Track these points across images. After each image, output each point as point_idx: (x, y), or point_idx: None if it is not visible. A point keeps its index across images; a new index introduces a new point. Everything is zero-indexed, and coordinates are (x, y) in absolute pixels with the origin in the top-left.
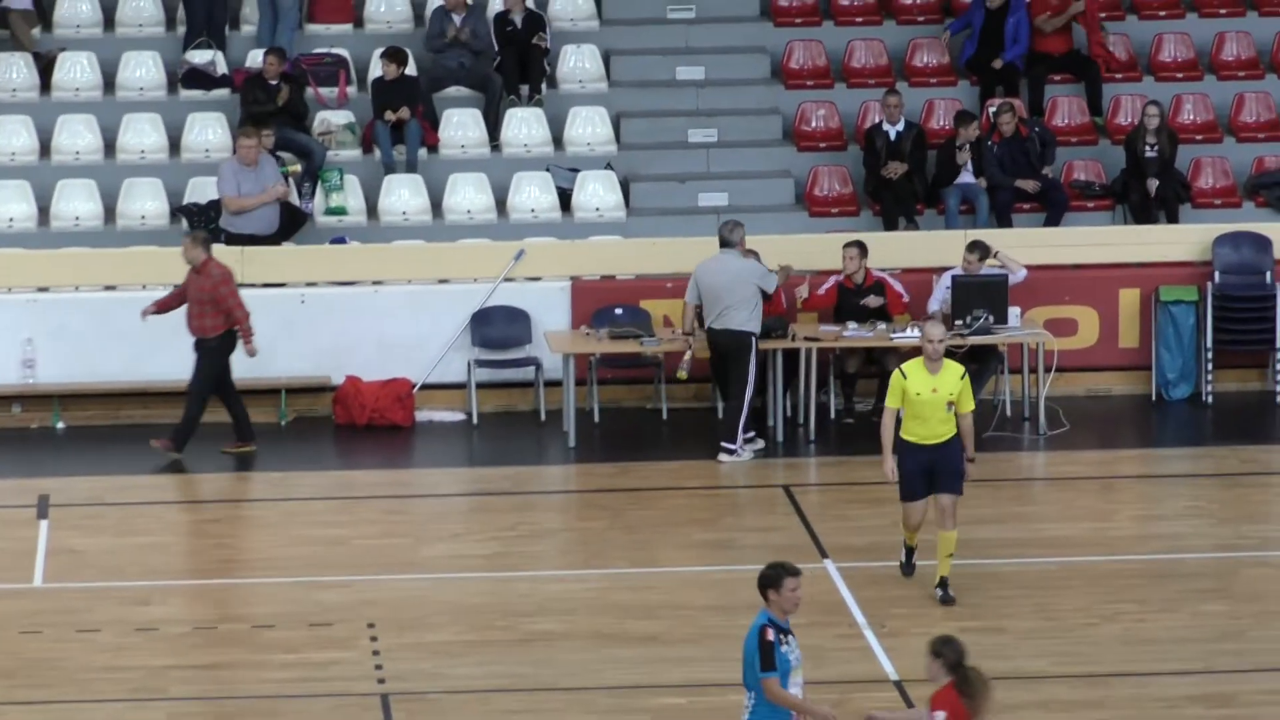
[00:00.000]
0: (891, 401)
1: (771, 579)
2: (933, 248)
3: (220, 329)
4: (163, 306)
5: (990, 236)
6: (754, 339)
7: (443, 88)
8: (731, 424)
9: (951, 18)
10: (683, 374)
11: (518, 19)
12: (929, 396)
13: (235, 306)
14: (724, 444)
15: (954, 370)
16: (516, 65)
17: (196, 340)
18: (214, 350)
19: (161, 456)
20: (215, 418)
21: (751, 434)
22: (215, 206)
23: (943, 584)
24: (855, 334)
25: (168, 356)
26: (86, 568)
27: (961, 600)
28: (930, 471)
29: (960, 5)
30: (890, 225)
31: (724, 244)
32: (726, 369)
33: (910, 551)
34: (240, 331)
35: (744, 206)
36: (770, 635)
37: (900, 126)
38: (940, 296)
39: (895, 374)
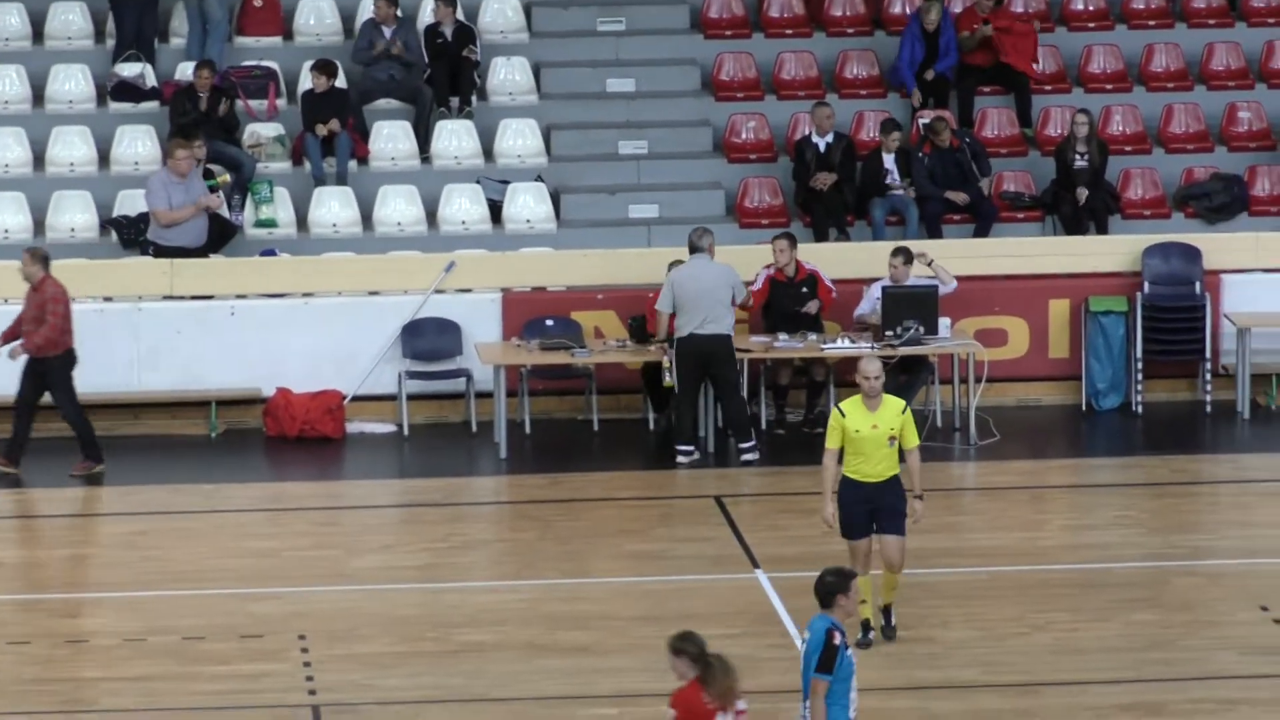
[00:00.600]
0: (831, 442)
1: (841, 584)
2: (862, 259)
3: (62, 347)
4: (9, 335)
5: (917, 246)
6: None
7: (373, 100)
8: (742, 422)
9: (881, 29)
10: (670, 381)
11: (448, 31)
12: (869, 433)
13: (55, 326)
14: (741, 445)
15: (894, 405)
16: (447, 77)
17: (38, 360)
18: (60, 366)
19: (84, 478)
20: (142, 430)
21: (690, 447)
22: (145, 219)
23: (886, 612)
24: (786, 345)
25: (97, 370)
26: (14, 580)
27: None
28: (873, 509)
29: (890, 18)
30: (820, 236)
31: (694, 250)
32: (710, 374)
33: (866, 625)
34: (29, 345)
35: (674, 218)
36: (838, 639)
37: (830, 138)
38: (869, 305)
39: (834, 413)
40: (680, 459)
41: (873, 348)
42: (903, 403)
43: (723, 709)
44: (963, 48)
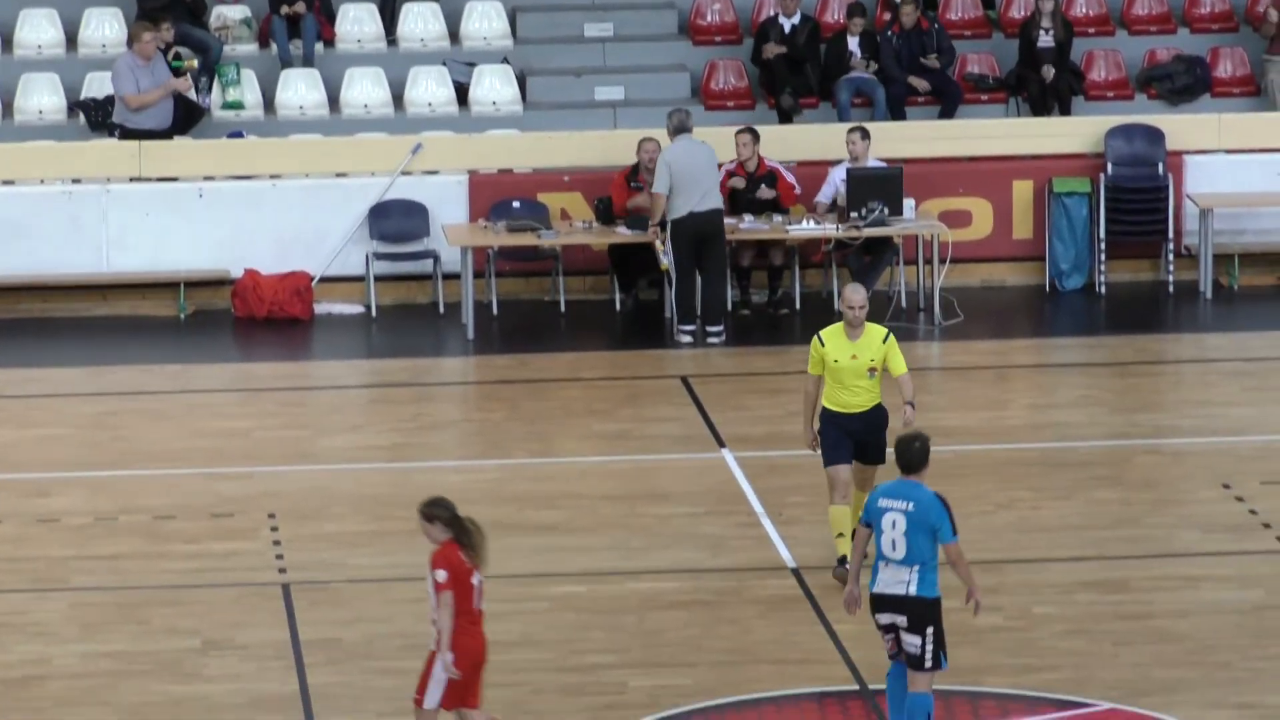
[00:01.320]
0: (812, 369)
1: (928, 449)
2: (826, 141)
3: None
4: None
5: (883, 128)
6: None
7: None
8: (720, 307)
9: None
10: (665, 264)
11: None
12: (848, 364)
13: None
14: (710, 328)
15: (876, 334)
16: None
17: None
18: None
19: None
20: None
21: (691, 327)
22: (112, 101)
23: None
24: (752, 226)
25: (66, 252)
26: None
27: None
28: (856, 441)
29: None
30: (784, 119)
31: (681, 130)
32: (702, 253)
33: (843, 560)
34: None
35: (640, 100)
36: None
37: (795, 19)
38: (832, 189)
39: (814, 341)
40: (682, 338)
41: (837, 228)
42: (885, 331)
43: (476, 568)
44: None
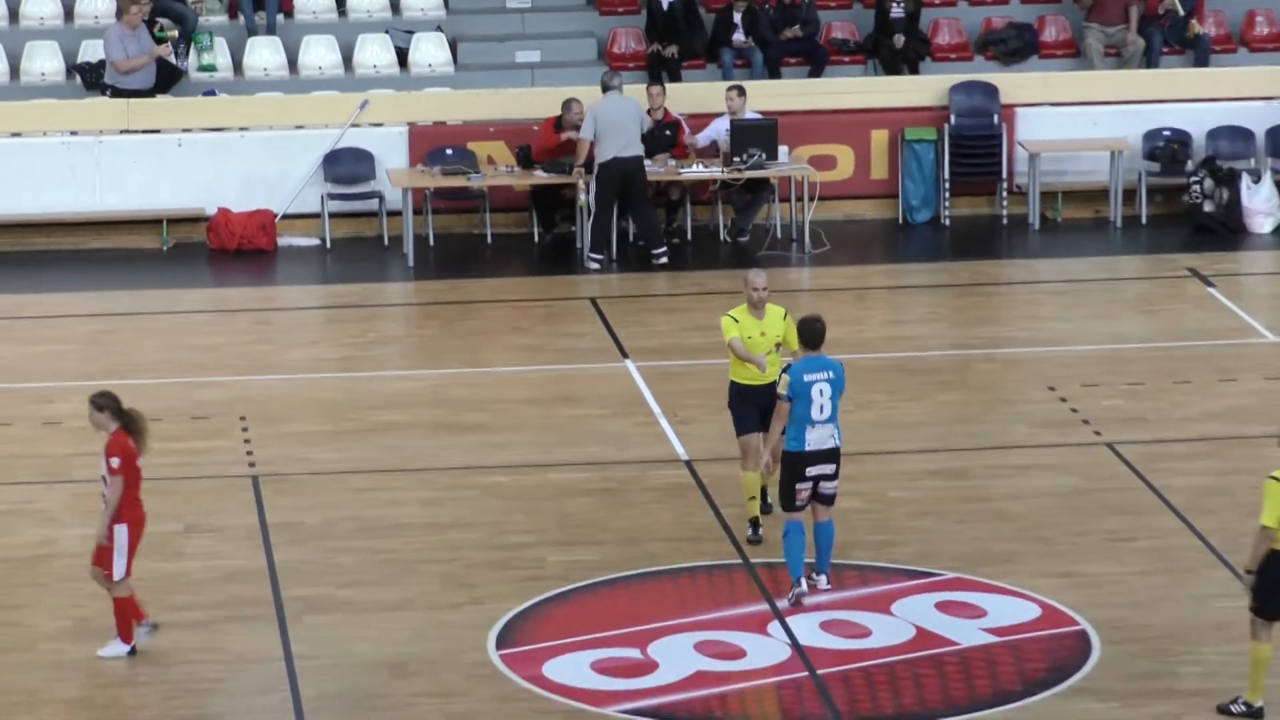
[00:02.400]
0: (730, 333)
1: (825, 327)
2: (715, 97)
3: None
4: None
5: (761, 86)
6: None
7: None
8: (655, 232)
9: None
10: (583, 200)
11: None
12: (758, 340)
13: None
14: (654, 251)
15: (776, 313)
16: None
17: None
18: None
19: None
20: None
21: (601, 255)
22: (104, 65)
23: (764, 491)
24: (651, 170)
25: (65, 194)
26: None
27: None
28: (763, 410)
29: None
30: (674, 77)
31: (607, 88)
32: (626, 192)
33: (755, 522)
34: None
35: (554, 62)
36: None
37: None
38: (710, 135)
39: (726, 319)
40: (591, 264)
41: (722, 170)
42: (783, 310)
43: (140, 454)
44: None
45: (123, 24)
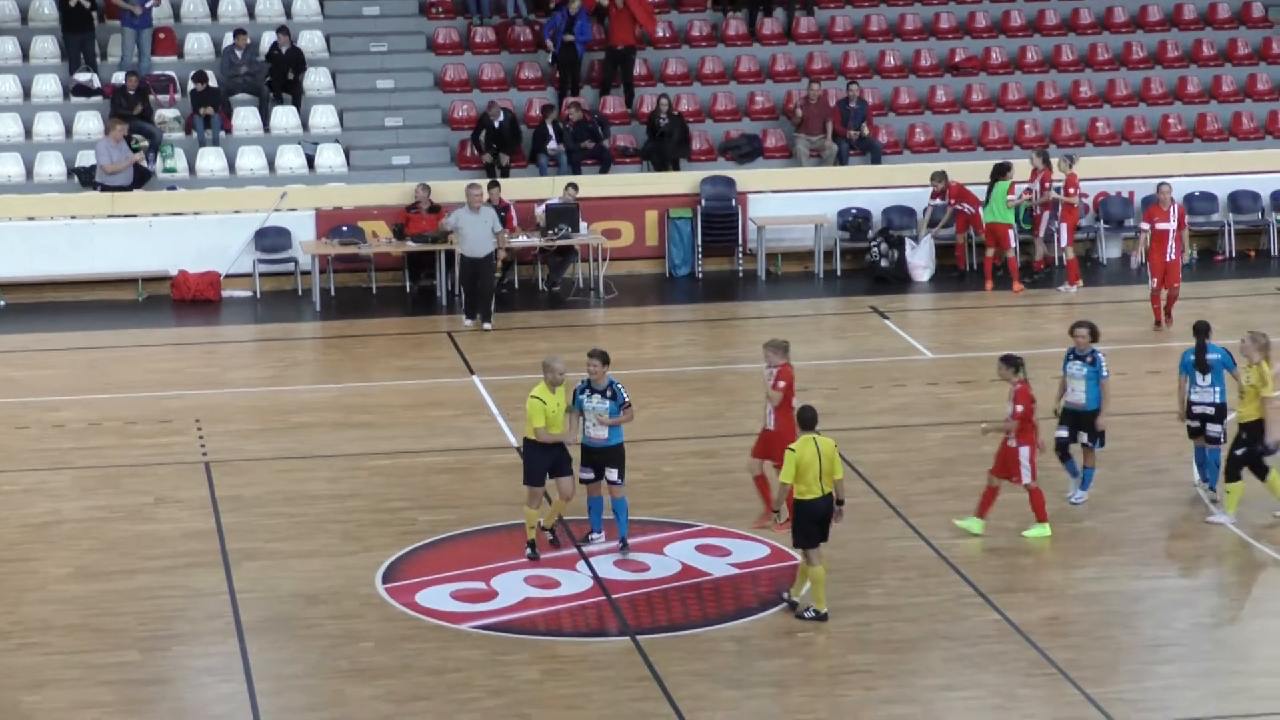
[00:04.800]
0: (535, 420)
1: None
2: (535, 188)
3: None
4: None
5: (567, 180)
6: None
7: (234, 94)
8: (489, 309)
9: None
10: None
11: (283, 50)
12: (555, 410)
13: None
14: (485, 325)
15: (562, 389)
16: (280, 80)
17: None
18: None
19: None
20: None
21: (470, 321)
22: (94, 169)
23: (554, 529)
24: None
25: (67, 261)
26: (15, 389)
27: None
28: (553, 462)
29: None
30: (504, 174)
31: (465, 205)
32: (477, 277)
33: (533, 545)
34: None
35: (420, 164)
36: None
37: (502, 117)
38: (540, 214)
39: (533, 403)
40: (466, 323)
41: (540, 239)
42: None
43: None
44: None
45: (109, 138)
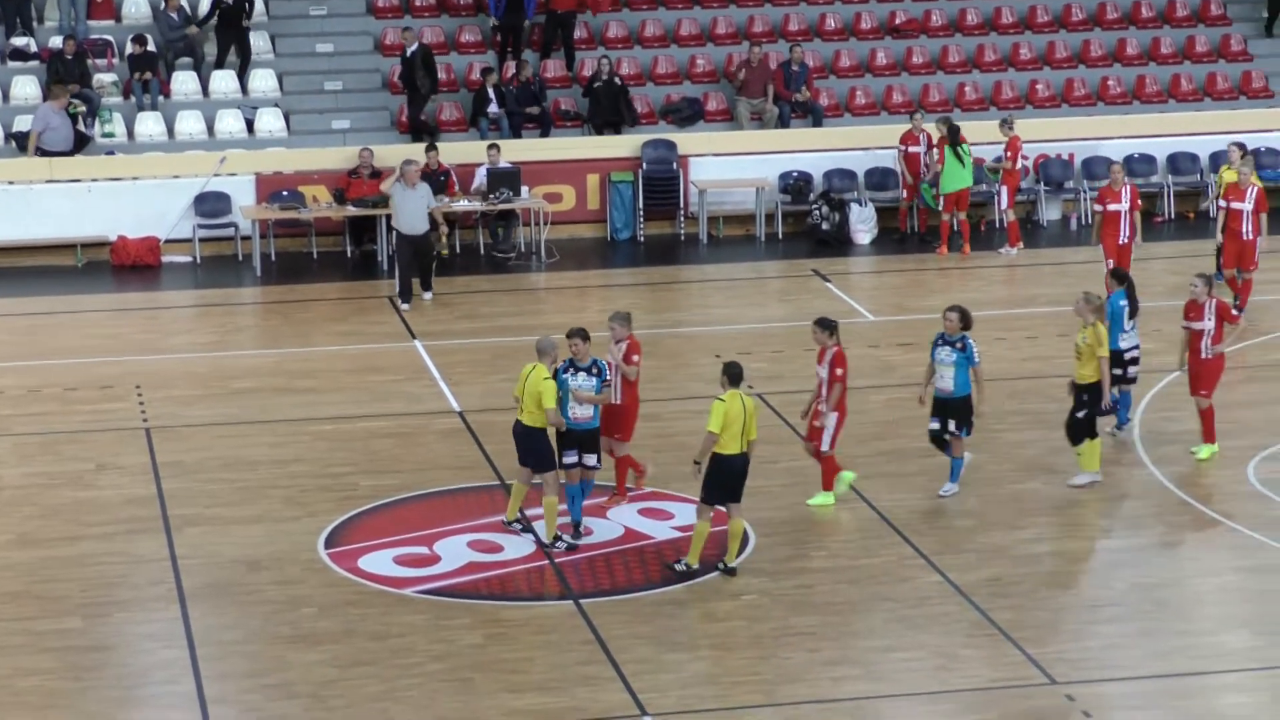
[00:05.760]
0: (551, 403)
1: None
2: (477, 152)
3: None
4: None
5: (508, 144)
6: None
7: (174, 58)
8: (429, 281)
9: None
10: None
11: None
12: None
13: None
14: (425, 294)
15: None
16: (227, 41)
17: None
18: None
19: None
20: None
21: (407, 305)
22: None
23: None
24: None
25: (6, 226)
26: None
27: (493, 360)
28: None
29: None
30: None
31: (400, 177)
32: (417, 254)
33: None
34: None
35: (359, 128)
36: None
37: (415, 46)
38: (479, 181)
39: (548, 383)
40: (404, 306)
41: (482, 204)
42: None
43: None
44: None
45: (49, 104)
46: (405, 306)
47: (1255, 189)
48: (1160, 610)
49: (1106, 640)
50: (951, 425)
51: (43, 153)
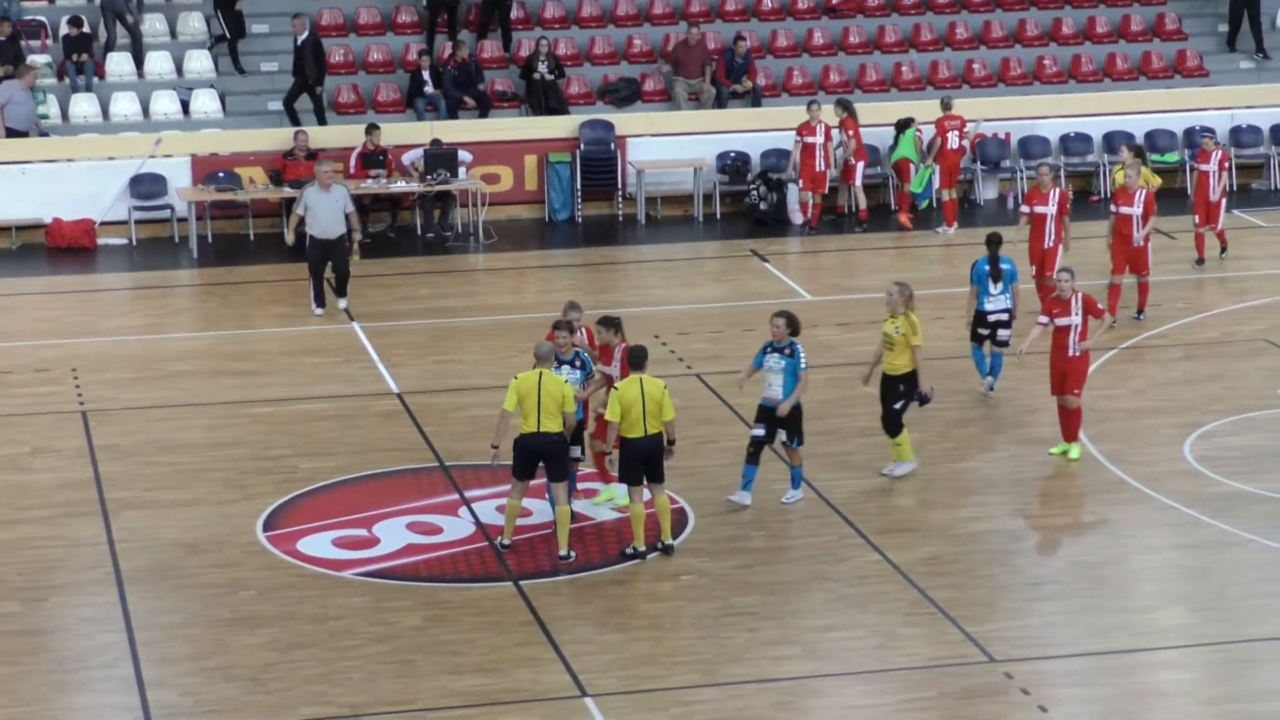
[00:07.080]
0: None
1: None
2: (412, 133)
3: None
4: None
5: (445, 125)
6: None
7: (108, 39)
8: (344, 288)
9: None
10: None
11: None
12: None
13: None
14: (340, 299)
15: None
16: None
17: None
18: None
19: None
20: None
21: (321, 310)
22: None
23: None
24: (369, 187)
25: None
26: None
27: (431, 342)
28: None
29: None
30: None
31: (314, 183)
32: (331, 257)
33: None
34: None
35: (300, 109)
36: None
37: (306, 34)
38: (411, 160)
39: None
40: (317, 311)
41: (419, 185)
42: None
43: None
44: None
45: (18, 82)
46: (319, 311)
47: (1144, 192)
48: (1098, 588)
49: (1045, 618)
50: (783, 436)
51: (10, 131)
